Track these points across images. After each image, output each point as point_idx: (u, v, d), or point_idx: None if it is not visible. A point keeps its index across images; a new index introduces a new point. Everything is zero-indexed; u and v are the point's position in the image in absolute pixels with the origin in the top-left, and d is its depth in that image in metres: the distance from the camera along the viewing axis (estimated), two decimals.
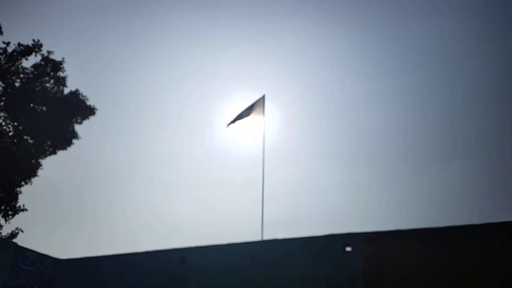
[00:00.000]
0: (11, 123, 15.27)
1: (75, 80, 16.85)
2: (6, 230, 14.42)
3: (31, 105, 15.42)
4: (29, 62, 15.71)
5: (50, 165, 16.13)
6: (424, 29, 30.26)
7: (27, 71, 15.55)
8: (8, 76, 15.02)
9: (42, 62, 15.81)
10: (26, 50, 15.44)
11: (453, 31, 29.23)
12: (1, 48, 14.98)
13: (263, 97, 14.67)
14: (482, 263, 8.72)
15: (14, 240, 13.99)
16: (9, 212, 14.47)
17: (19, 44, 15.35)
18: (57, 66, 15.99)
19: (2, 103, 14.87)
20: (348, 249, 9.29)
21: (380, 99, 31.22)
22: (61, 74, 16.15)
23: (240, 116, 14.67)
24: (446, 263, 8.94)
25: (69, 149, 16.12)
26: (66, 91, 16.25)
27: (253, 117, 14.51)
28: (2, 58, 15.03)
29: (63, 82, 16.18)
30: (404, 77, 30.51)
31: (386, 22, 32.19)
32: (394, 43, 31.87)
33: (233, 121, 14.81)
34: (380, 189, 29.04)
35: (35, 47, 15.61)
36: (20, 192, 14.89)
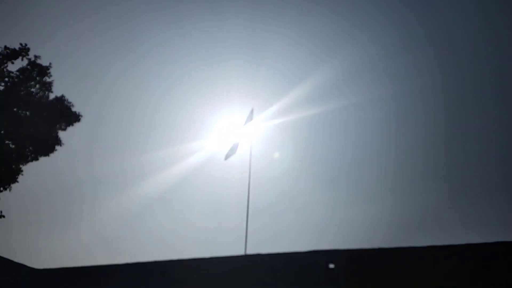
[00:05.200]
0: None
1: (61, 85, 16.60)
2: None
3: (15, 109, 15.13)
4: (15, 66, 15.43)
5: (31, 171, 15.80)
6: (416, 53, 31.04)
7: (12, 75, 15.28)
8: None
9: (28, 67, 15.54)
10: (12, 54, 15.19)
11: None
12: None
13: (252, 110, 14.77)
14: (463, 281, 8.83)
15: None
16: None
17: (5, 48, 15.10)
18: (43, 71, 15.73)
19: None
20: (331, 266, 9.30)
21: (363, 118, 31.65)
22: (47, 79, 15.88)
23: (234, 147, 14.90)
24: (427, 280, 9.02)
25: (52, 155, 15.81)
26: (52, 96, 16.02)
27: (242, 131, 14.64)
28: None
29: (49, 88, 15.92)
30: (390, 96, 31.05)
31: (373, 36, 32.83)
32: (382, 62, 32.51)
33: (230, 154, 15.01)
34: (357, 209, 29.21)
35: (22, 51, 15.36)
36: None
